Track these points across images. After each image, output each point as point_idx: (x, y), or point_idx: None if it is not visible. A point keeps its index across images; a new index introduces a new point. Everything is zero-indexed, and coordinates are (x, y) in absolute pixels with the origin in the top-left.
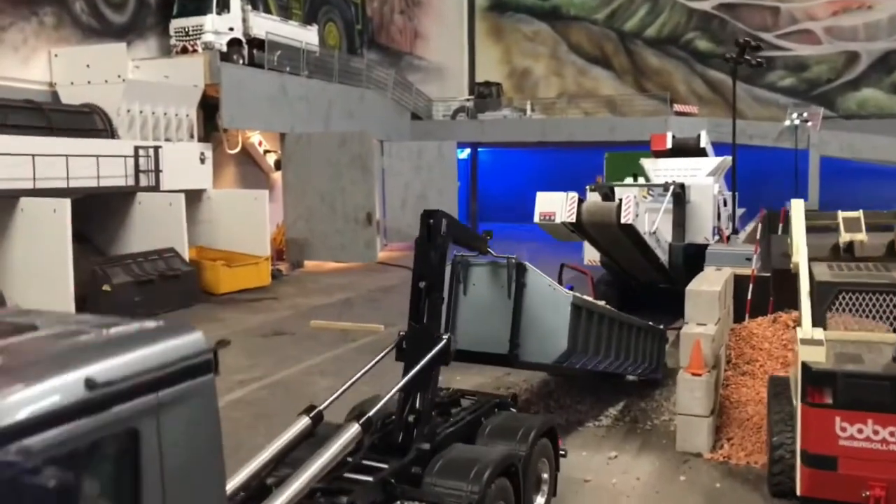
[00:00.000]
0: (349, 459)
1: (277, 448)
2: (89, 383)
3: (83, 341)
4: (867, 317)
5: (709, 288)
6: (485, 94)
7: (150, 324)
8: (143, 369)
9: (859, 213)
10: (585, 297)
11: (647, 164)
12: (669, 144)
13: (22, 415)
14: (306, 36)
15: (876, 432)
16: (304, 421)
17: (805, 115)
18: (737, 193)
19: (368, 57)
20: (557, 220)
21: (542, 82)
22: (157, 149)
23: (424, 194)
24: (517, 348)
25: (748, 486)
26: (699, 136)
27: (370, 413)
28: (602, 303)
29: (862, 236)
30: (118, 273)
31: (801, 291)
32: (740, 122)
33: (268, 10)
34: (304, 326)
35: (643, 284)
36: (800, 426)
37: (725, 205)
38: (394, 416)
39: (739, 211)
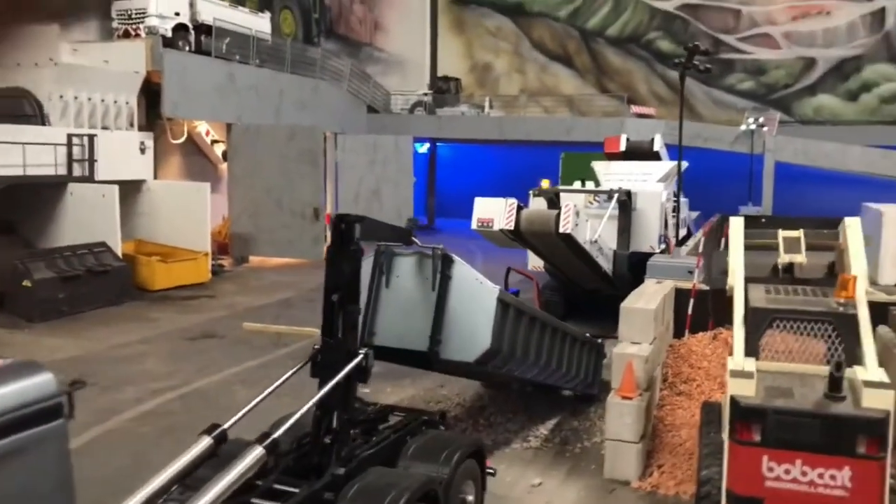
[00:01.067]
0: (259, 483)
1: (175, 471)
2: None
3: None
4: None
5: (644, 305)
6: (443, 90)
7: None
8: None
9: (799, 233)
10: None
11: (599, 167)
12: (623, 147)
13: None
14: (258, 23)
15: (804, 473)
16: (206, 441)
17: (761, 119)
18: (686, 199)
19: (326, 47)
20: (495, 228)
21: (504, 78)
22: (91, 137)
23: (379, 189)
24: (438, 345)
25: None
26: (653, 139)
27: (275, 434)
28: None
29: (801, 258)
30: (41, 268)
31: (735, 318)
32: (696, 125)
33: None
34: (236, 329)
35: (589, 292)
36: (726, 464)
37: (680, 210)
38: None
39: (694, 214)
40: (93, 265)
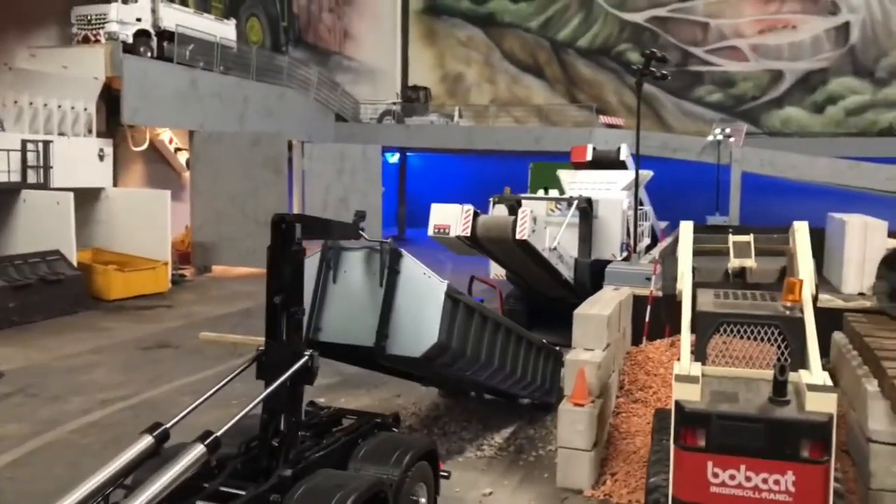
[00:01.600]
0: (205, 486)
1: (114, 470)
2: None
3: None
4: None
5: (598, 312)
6: (412, 99)
7: None
8: None
9: (749, 238)
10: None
11: (565, 175)
12: (590, 157)
13: None
14: (222, 30)
15: (748, 479)
16: (147, 440)
17: (728, 130)
18: (650, 208)
19: (294, 55)
20: (452, 234)
21: (475, 88)
22: (46, 143)
23: (346, 198)
24: (385, 340)
25: None
26: (619, 148)
27: (217, 433)
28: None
29: (751, 262)
30: None
31: (682, 322)
32: (664, 136)
33: (185, 3)
34: (192, 339)
35: (553, 301)
36: (672, 471)
37: (646, 219)
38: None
39: (662, 224)
40: (45, 274)
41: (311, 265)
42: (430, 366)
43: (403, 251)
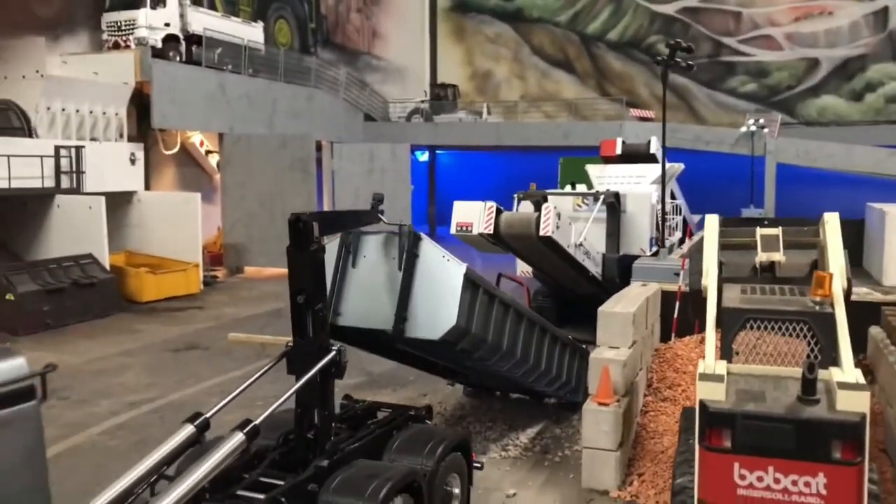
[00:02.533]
0: (245, 476)
1: (158, 458)
2: None
3: None
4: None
5: (622, 309)
6: (441, 96)
7: None
8: None
9: (778, 231)
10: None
11: (593, 170)
12: (619, 150)
13: None
14: (251, 33)
15: (777, 481)
16: (188, 429)
17: (762, 121)
18: (682, 201)
19: (323, 56)
20: (475, 232)
21: (504, 85)
22: (79, 148)
23: None
24: (403, 323)
25: None
26: (649, 141)
27: (256, 421)
28: None
29: (779, 256)
30: (25, 280)
31: (707, 319)
32: (696, 128)
33: (213, 6)
34: (221, 340)
35: (582, 297)
36: (697, 472)
37: (678, 212)
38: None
39: (696, 217)
40: (79, 277)
41: (330, 250)
42: (450, 351)
43: (423, 234)
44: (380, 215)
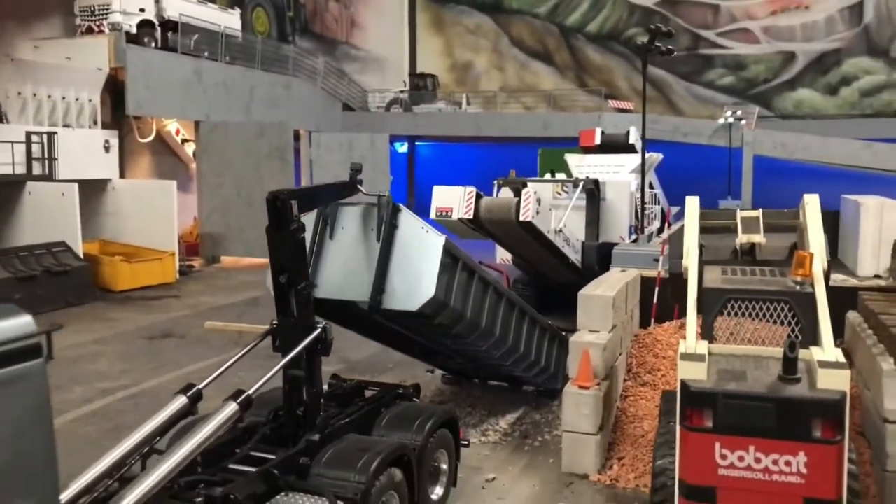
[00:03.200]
0: (237, 451)
1: (151, 428)
2: None
3: None
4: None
5: (603, 292)
6: (420, 87)
7: None
8: None
9: (758, 213)
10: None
11: (572, 159)
12: (598, 140)
13: None
14: (228, 20)
15: (758, 460)
16: (181, 400)
17: (739, 113)
18: (659, 191)
19: (301, 45)
20: (454, 217)
21: (484, 76)
22: (51, 135)
23: None
24: (381, 294)
25: None
26: (628, 132)
27: (249, 392)
28: None
29: (759, 238)
30: None
31: (688, 299)
32: (675, 119)
33: None
34: (197, 328)
35: (561, 285)
36: (678, 452)
37: (656, 202)
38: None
39: (674, 209)
40: (51, 265)
41: (308, 222)
42: (427, 326)
43: (402, 205)
44: (358, 185)
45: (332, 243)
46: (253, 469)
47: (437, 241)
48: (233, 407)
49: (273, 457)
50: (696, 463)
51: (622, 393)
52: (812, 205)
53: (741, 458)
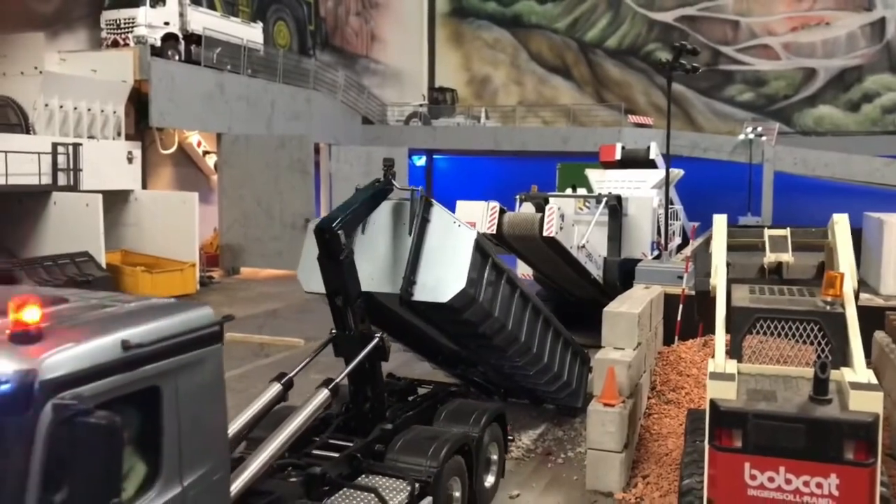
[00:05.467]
0: (316, 439)
1: (252, 413)
2: (125, 345)
3: (113, 312)
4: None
5: (628, 310)
6: (439, 100)
7: (164, 300)
8: (166, 335)
9: (786, 232)
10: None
11: (593, 174)
12: (618, 156)
13: (73, 368)
14: (250, 33)
15: (788, 481)
16: (276, 388)
17: (760, 129)
18: (680, 207)
19: (322, 59)
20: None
21: (502, 90)
22: (76, 146)
23: None
24: (412, 286)
25: None
26: (649, 147)
27: (337, 379)
28: None
29: (787, 257)
30: (21, 278)
31: (717, 317)
32: (694, 135)
33: (212, 6)
34: None
35: (582, 301)
36: (706, 472)
37: (677, 218)
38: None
39: (693, 224)
40: (74, 275)
41: None
42: (455, 321)
43: (434, 200)
44: (392, 180)
45: (363, 238)
46: (333, 454)
47: (469, 235)
48: (325, 393)
49: (349, 444)
50: (725, 483)
51: (646, 411)
52: (842, 224)
53: (771, 479)
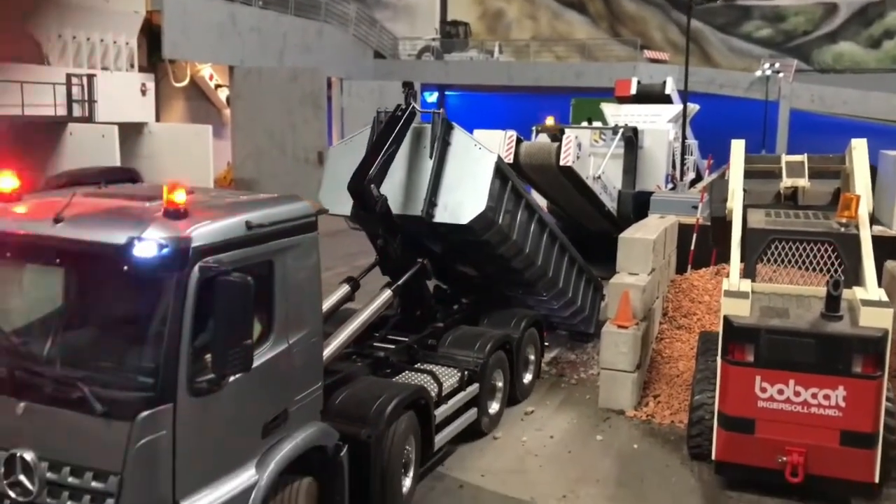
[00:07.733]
0: (376, 334)
1: (325, 308)
2: (248, 224)
3: (234, 200)
4: (801, 268)
5: (643, 236)
6: (451, 34)
7: (269, 195)
8: (277, 220)
9: (803, 158)
10: None
11: (608, 109)
12: (634, 91)
13: (213, 239)
14: None
15: (797, 394)
16: (344, 288)
17: (777, 66)
18: (695, 142)
19: None
20: None
21: (515, 25)
22: (91, 77)
23: None
24: (433, 208)
25: (668, 447)
26: (665, 82)
27: (399, 282)
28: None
29: (804, 182)
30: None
31: (732, 239)
32: (710, 71)
33: None
34: None
35: (593, 234)
36: (719, 385)
37: (691, 153)
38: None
39: (705, 162)
40: None
41: (360, 141)
42: (474, 244)
43: (454, 123)
44: (413, 102)
45: None
46: (393, 346)
47: (490, 157)
48: (388, 293)
49: (405, 339)
50: (736, 396)
51: (658, 335)
52: (859, 149)
53: (780, 392)
